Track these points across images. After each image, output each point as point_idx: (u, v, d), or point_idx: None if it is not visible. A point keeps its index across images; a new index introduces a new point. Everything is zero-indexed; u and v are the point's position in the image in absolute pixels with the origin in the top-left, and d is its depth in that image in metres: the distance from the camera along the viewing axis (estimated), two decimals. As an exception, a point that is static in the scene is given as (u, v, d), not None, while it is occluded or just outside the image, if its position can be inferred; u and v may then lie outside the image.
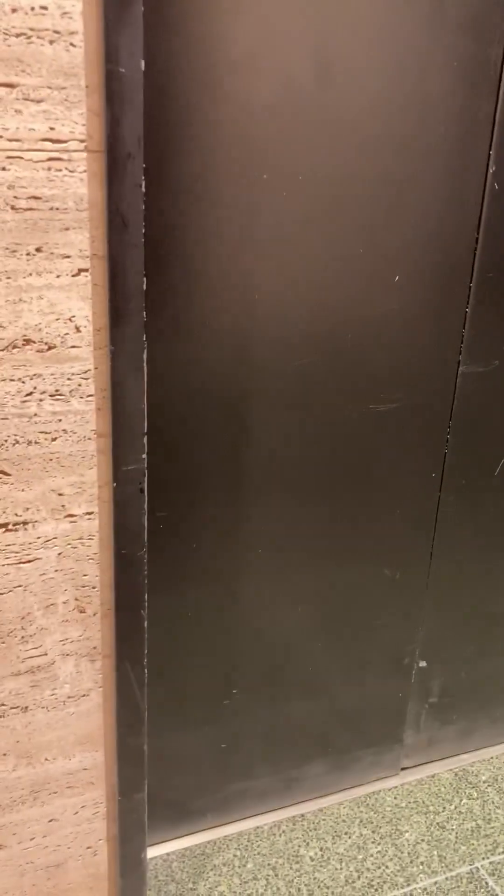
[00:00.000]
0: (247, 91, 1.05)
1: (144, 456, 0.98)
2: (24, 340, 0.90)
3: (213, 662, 1.39)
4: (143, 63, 0.82)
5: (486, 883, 1.46)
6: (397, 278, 1.24)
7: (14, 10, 0.78)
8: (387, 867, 1.48)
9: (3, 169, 0.83)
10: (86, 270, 0.89)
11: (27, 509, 0.97)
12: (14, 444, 0.94)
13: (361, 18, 1.07)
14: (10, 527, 0.97)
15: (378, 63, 1.10)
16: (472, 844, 1.53)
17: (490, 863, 1.50)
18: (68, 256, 0.88)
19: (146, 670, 1.11)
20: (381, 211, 1.19)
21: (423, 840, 1.54)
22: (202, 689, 1.40)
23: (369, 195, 1.17)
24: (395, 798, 1.62)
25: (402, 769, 1.68)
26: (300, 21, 1.04)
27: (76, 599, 1.03)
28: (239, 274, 1.14)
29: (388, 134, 1.15)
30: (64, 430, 0.95)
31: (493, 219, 1.26)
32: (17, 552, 0.99)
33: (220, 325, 1.16)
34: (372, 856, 1.50)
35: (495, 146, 1.21)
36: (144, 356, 0.93)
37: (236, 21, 1.01)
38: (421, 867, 1.48)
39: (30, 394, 0.92)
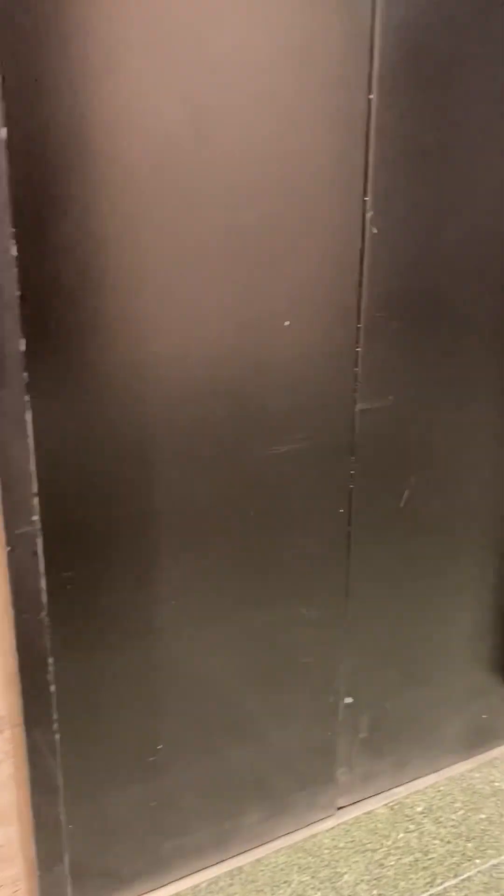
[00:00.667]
0: (121, 149, 1.07)
1: (36, 518, 0.97)
2: None
3: (135, 718, 1.36)
4: (4, 131, 0.83)
5: (427, 917, 1.45)
6: (287, 323, 1.27)
7: None
8: (328, 912, 1.46)
9: None
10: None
11: None
12: None
13: (235, 75, 1.11)
14: None
15: (254, 118, 1.14)
16: (412, 879, 1.53)
17: (430, 895, 1.49)
18: None
19: (59, 735, 1.08)
20: (265, 259, 1.22)
21: (362, 880, 1.52)
22: (125, 747, 1.37)
23: (253, 244, 1.20)
24: (333, 839, 1.61)
25: (339, 808, 1.66)
26: (174, 79, 1.07)
27: (-24, 670, 1.01)
28: (128, 327, 1.15)
29: (268, 186, 1.19)
30: (-50, 497, 0.93)
31: (375, 261, 1.31)
32: None
33: (112, 377, 1.16)
34: (312, 902, 1.48)
35: (370, 193, 1.27)
36: (28, 417, 0.93)
37: (109, 81, 1.03)
38: (362, 908, 1.47)
39: None
